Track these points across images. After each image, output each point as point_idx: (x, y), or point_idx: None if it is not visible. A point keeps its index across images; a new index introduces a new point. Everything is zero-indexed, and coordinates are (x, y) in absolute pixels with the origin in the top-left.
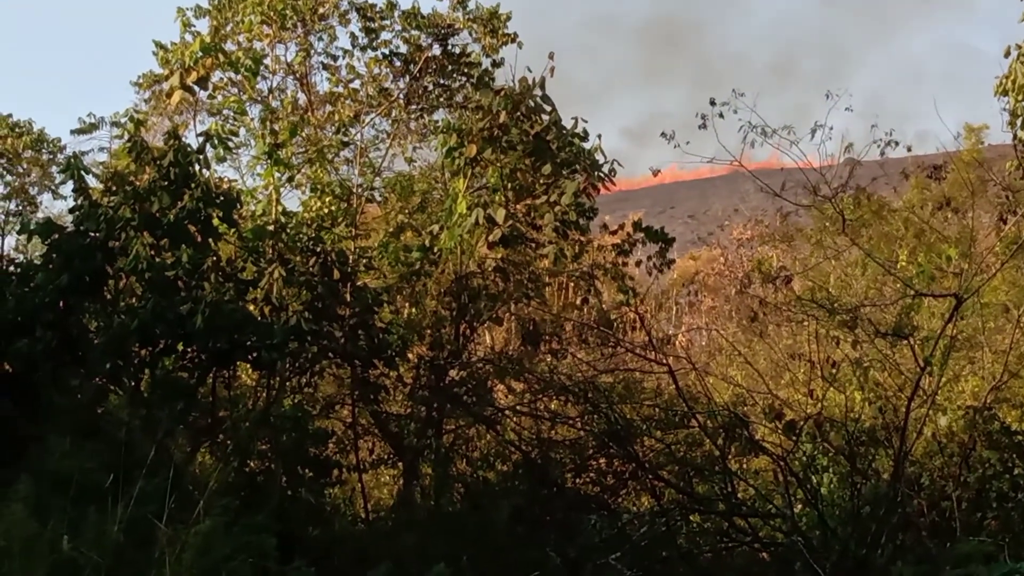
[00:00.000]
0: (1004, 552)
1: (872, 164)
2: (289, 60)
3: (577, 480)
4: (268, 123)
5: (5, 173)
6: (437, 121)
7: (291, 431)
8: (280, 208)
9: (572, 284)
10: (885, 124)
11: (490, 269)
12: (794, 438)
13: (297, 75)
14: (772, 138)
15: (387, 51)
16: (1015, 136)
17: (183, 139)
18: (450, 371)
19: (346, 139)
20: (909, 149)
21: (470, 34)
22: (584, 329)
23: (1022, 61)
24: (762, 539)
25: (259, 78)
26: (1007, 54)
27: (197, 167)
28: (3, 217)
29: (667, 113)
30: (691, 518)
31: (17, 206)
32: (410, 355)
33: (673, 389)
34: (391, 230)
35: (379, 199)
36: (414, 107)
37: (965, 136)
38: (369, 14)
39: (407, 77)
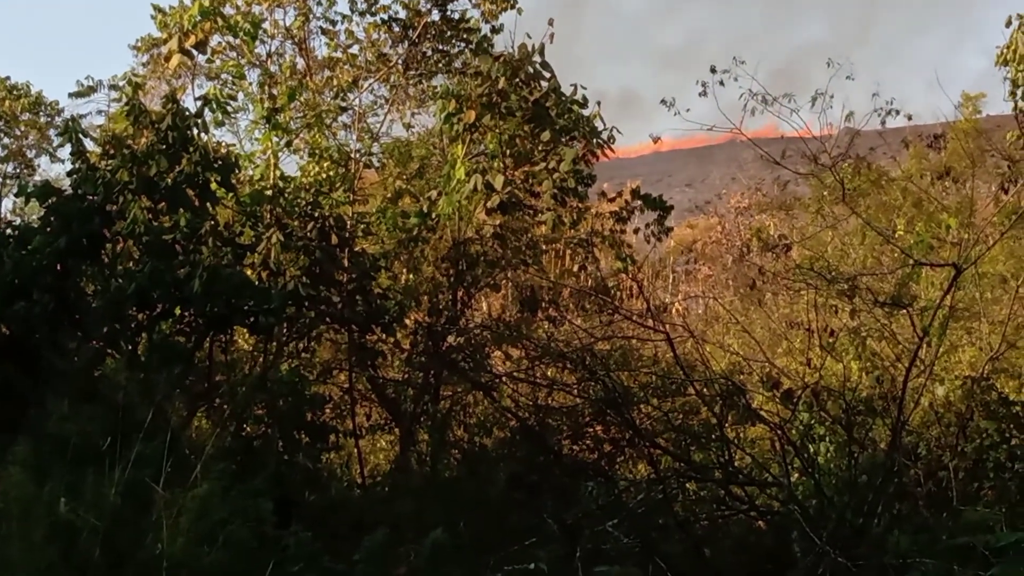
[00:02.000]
0: (1001, 522)
1: (871, 133)
2: (288, 24)
3: (574, 447)
4: (266, 87)
5: (3, 136)
6: (436, 87)
7: (288, 396)
8: (278, 173)
9: (570, 251)
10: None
11: (488, 235)
12: (791, 407)
13: (296, 40)
14: (772, 106)
15: (386, 16)
16: (1015, 106)
17: (181, 103)
18: (447, 337)
19: (344, 104)
20: (909, 118)
21: (469, 0)
22: (582, 296)
23: (1023, 31)
24: (759, 507)
25: (258, 42)
26: (1008, 24)
27: (195, 131)
28: (1, 180)
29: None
30: (688, 486)
31: (15, 169)
32: (408, 321)
33: (670, 357)
34: (389, 196)
35: (377, 165)
36: (413, 73)
37: (963, 105)
38: None
39: (406, 42)
